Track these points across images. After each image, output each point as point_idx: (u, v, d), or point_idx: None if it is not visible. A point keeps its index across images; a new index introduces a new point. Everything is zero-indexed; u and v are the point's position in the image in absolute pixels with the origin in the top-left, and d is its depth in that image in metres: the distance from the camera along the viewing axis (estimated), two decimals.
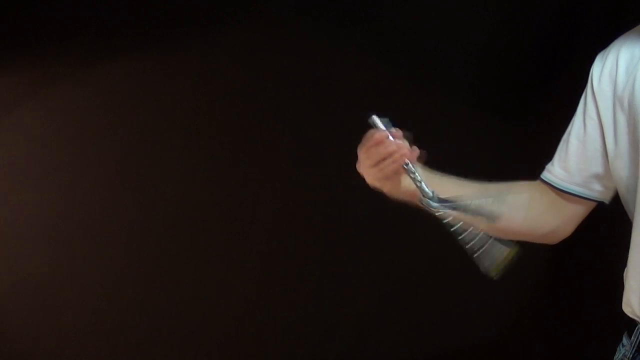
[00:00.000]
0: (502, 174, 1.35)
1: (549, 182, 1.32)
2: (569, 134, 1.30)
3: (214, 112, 2.33)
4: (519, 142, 2.39)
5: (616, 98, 1.21)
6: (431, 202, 1.23)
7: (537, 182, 1.35)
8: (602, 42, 1.29)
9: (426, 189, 1.22)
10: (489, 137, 2.40)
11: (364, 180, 2.30)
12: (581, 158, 1.27)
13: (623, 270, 1.23)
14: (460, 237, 1.22)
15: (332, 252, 2.43)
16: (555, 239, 1.36)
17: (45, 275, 2.28)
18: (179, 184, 2.34)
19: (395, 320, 2.47)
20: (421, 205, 1.24)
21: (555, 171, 1.32)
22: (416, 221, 2.37)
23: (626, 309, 1.21)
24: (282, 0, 2.31)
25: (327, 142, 2.35)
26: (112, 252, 2.31)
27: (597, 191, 1.29)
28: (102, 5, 2.22)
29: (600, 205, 1.32)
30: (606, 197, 1.30)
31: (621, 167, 1.21)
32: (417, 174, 1.22)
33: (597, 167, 1.26)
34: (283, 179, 2.38)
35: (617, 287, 1.25)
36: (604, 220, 1.37)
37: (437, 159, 1.30)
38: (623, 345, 1.23)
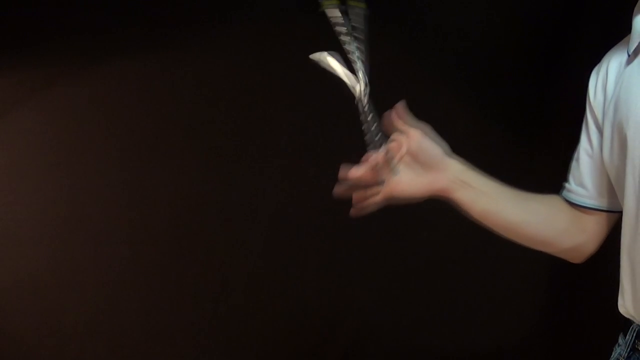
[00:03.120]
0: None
1: (570, 200, 1.33)
2: (578, 151, 1.31)
3: (214, 112, 2.33)
4: (522, 150, 2.38)
5: (605, 106, 1.22)
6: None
7: (558, 198, 1.35)
8: (599, 48, 1.30)
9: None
10: (490, 144, 2.39)
11: None
12: (594, 172, 1.28)
13: (619, 272, 1.23)
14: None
15: (333, 252, 2.43)
16: (580, 256, 1.35)
17: (45, 275, 2.28)
18: (179, 184, 2.34)
19: (396, 321, 2.47)
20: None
21: (573, 189, 1.32)
22: (418, 222, 2.39)
23: (621, 309, 1.22)
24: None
25: (327, 141, 2.35)
26: (112, 252, 2.31)
27: (616, 202, 1.28)
28: (102, 5, 2.22)
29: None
30: None
31: (611, 172, 1.22)
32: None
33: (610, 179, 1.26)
34: (283, 177, 2.38)
35: (614, 288, 1.25)
36: None
37: None
38: (619, 345, 1.24)
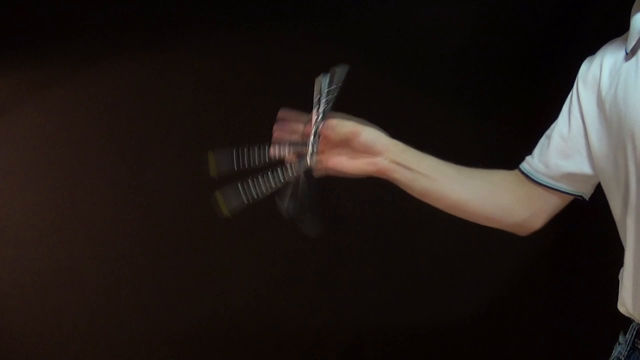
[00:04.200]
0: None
1: (527, 173, 1.35)
2: (552, 130, 1.33)
3: (213, 112, 2.33)
4: (504, 138, 2.39)
5: (599, 101, 1.22)
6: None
7: (515, 172, 1.38)
8: (593, 45, 1.30)
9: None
10: (475, 135, 2.40)
11: (363, 178, 2.30)
12: (561, 155, 1.30)
13: (619, 271, 1.23)
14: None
15: (332, 252, 2.43)
16: (525, 230, 1.38)
17: (45, 275, 2.28)
18: (179, 184, 2.34)
19: (395, 319, 2.47)
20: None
21: (534, 164, 1.34)
22: (416, 220, 2.39)
23: (621, 308, 1.22)
24: (281, 1, 2.32)
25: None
26: (112, 252, 2.32)
27: (573, 186, 1.31)
28: (102, 5, 2.22)
29: (580, 201, 1.34)
30: (583, 192, 1.33)
31: (606, 170, 1.22)
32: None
33: (576, 166, 1.28)
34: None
35: (614, 287, 1.25)
36: (602, 222, 1.37)
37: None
38: (619, 344, 1.24)
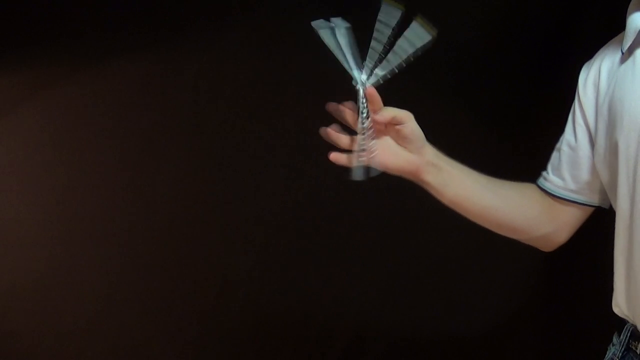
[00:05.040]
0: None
1: (545, 188, 1.35)
2: (561, 142, 1.34)
3: (213, 112, 2.33)
4: (514, 146, 2.38)
5: (598, 104, 1.22)
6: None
7: (532, 186, 1.38)
8: (593, 45, 1.30)
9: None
10: (483, 140, 2.39)
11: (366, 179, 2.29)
12: (573, 165, 1.30)
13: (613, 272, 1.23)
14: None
15: (332, 252, 2.43)
16: (550, 245, 1.38)
17: (45, 275, 2.28)
18: (179, 184, 2.34)
19: (395, 320, 2.47)
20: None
21: (550, 178, 1.34)
22: (416, 221, 2.39)
23: (615, 309, 1.22)
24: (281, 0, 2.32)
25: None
26: (111, 252, 2.32)
27: (591, 197, 1.31)
28: (102, 5, 2.22)
29: (598, 210, 1.33)
30: (603, 202, 1.32)
31: (603, 172, 1.22)
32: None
33: (588, 174, 1.28)
34: (283, 177, 2.38)
35: (608, 288, 1.25)
36: (598, 223, 1.37)
37: None
38: (613, 345, 1.25)
